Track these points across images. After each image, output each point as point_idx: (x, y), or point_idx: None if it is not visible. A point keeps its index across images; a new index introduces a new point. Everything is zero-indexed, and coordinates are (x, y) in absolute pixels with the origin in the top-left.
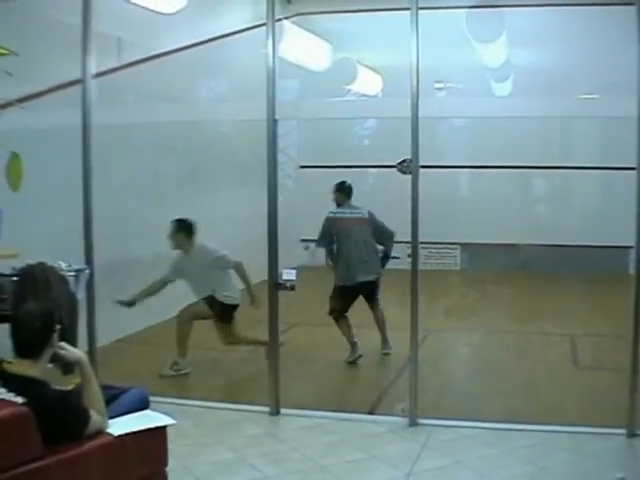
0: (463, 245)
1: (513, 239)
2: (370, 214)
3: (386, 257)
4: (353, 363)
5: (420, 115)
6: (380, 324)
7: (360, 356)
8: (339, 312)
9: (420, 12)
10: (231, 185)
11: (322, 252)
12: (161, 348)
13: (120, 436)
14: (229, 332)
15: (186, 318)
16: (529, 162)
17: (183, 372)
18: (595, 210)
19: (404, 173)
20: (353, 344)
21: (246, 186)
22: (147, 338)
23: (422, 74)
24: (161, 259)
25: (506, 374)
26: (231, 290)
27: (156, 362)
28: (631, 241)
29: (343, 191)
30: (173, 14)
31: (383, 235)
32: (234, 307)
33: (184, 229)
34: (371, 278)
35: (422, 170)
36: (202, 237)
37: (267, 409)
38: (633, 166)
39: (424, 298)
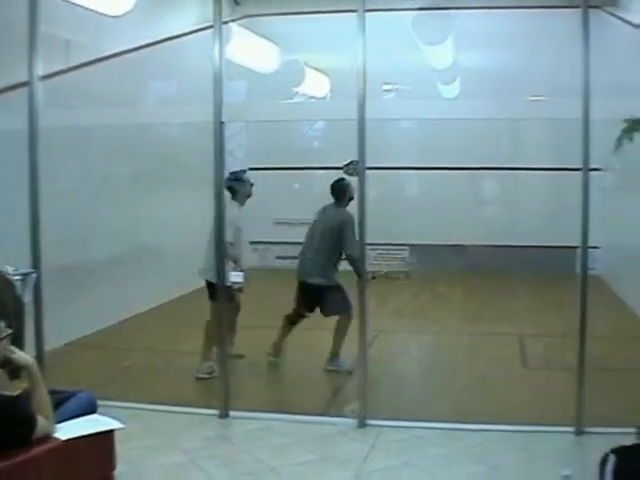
0: (412, 246)
1: (462, 240)
2: (343, 221)
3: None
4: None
5: (367, 117)
6: (336, 335)
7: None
8: (294, 311)
9: (368, 14)
10: (181, 187)
11: (272, 254)
12: (111, 352)
13: (68, 440)
14: None
15: None
16: (478, 163)
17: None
18: (544, 211)
19: (350, 175)
20: (275, 345)
21: (195, 188)
22: (97, 341)
23: (370, 76)
24: (113, 261)
25: (456, 374)
26: None
27: (105, 366)
28: (579, 241)
29: (332, 191)
30: (121, 16)
31: (345, 251)
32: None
33: None
34: (310, 281)
35: (370, 172)
36: (151, 239)
37: (216, 412)
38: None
39: (373, 300)
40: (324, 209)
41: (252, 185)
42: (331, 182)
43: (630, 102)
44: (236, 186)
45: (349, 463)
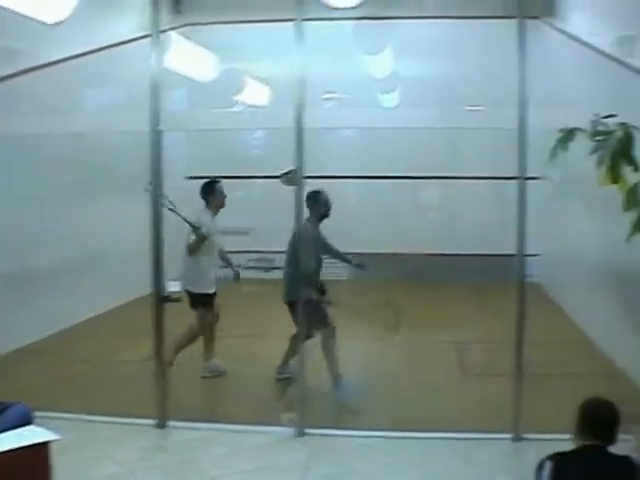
0: (352, 255)
1: (402, 249)
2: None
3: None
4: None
5: (306, 126)
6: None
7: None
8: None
9: (311, 24)
10: (122, 196)
11: None
12: (51, 361)
13: (1, 453)
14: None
15: None
16: (418, 172)
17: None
18: (484, 219)
19: (288, 184)
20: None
21: (136, 197)
22: (48, 348)
23: (311, 85)
24: (58, 267)
25: (395, 383)
26: None
27: (45, 375)
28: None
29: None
30: (59, 24)
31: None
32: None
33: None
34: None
35: (309, 181)
36: (94, 247)
37: (154, 422)
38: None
39: None
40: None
41: (225, 197)
42: (268, 191)
43: (568, 112)
44: (209, 196)
45: (288, 472)
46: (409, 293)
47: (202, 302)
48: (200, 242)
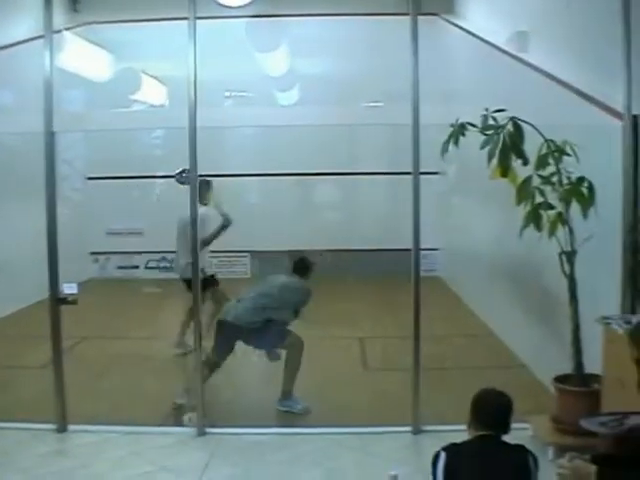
0: (253, 253)
1: (302, 246)
2: None
3: None
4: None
5: (200, 125)
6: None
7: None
8: None
9: (207, 22)
10: (17, 199)
11: (112, 264)
12: None
13: None
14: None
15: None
16: (316, 169)
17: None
18: (383, 214)
19: (182, 183)
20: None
21: (32, 200)
22: None
23: (207, 84)
24: None
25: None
26: None
27: None
28: None
29: None
30: None
31: None
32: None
33: None
34: None
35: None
36: None
37: (54, 426)
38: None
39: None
40: None
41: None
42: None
43: (465, 107)
44: (208, 193)
45: (189, 472)
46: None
47: (212, 282)
48: (223, 232)
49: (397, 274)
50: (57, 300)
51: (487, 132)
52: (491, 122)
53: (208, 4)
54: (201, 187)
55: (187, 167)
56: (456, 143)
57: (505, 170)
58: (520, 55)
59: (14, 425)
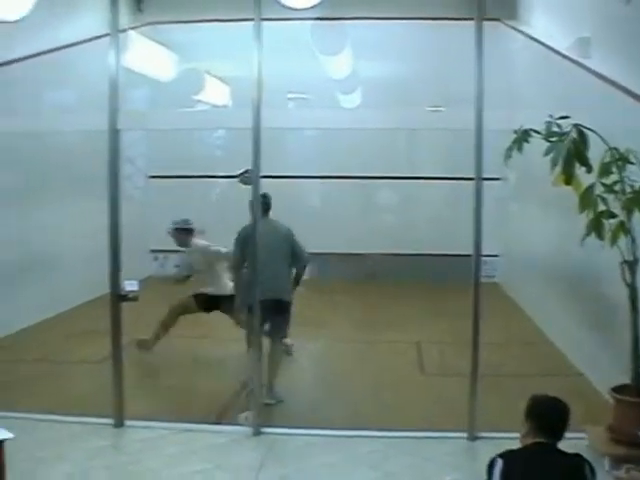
0: (310, 255)
1: (360, 249)
2: (290, 232)
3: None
4: None
5: (264, 126)
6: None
7: None
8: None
9: (268, 24)
10: (79, 197)
11: (171, 263)
12: (14, 360)
13: None
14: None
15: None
16: (377, 173)
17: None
18: (442, 219)
19: (245, 184)
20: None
21: (94, 197)
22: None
23: (271, 85)
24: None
25: (352, 382)
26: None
27: (6, 374)
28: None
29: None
30: (17, 22)
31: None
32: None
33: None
34: (287, 298)
35: (267, 180)
36: (49, 249)
37: (111, 421)
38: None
39: None
40: (266, 222)
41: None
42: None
43: (524, 113)
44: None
45: (243, 471)
46: (366, 293)
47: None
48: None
49: (454, 280)
50: (118, 297)
51: (551, 139)
52: (555, 129)
53: (272, 5)
54: (180, 232)
55: (249, 167)
56: (520, 149)
57: (569, 177)
58: (582, 61)
59: (70, 419)
